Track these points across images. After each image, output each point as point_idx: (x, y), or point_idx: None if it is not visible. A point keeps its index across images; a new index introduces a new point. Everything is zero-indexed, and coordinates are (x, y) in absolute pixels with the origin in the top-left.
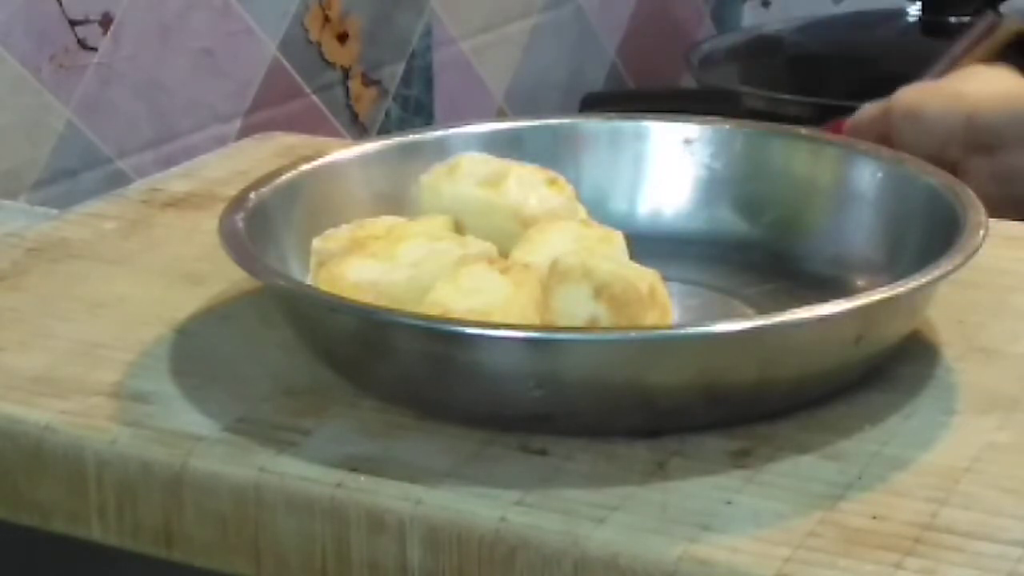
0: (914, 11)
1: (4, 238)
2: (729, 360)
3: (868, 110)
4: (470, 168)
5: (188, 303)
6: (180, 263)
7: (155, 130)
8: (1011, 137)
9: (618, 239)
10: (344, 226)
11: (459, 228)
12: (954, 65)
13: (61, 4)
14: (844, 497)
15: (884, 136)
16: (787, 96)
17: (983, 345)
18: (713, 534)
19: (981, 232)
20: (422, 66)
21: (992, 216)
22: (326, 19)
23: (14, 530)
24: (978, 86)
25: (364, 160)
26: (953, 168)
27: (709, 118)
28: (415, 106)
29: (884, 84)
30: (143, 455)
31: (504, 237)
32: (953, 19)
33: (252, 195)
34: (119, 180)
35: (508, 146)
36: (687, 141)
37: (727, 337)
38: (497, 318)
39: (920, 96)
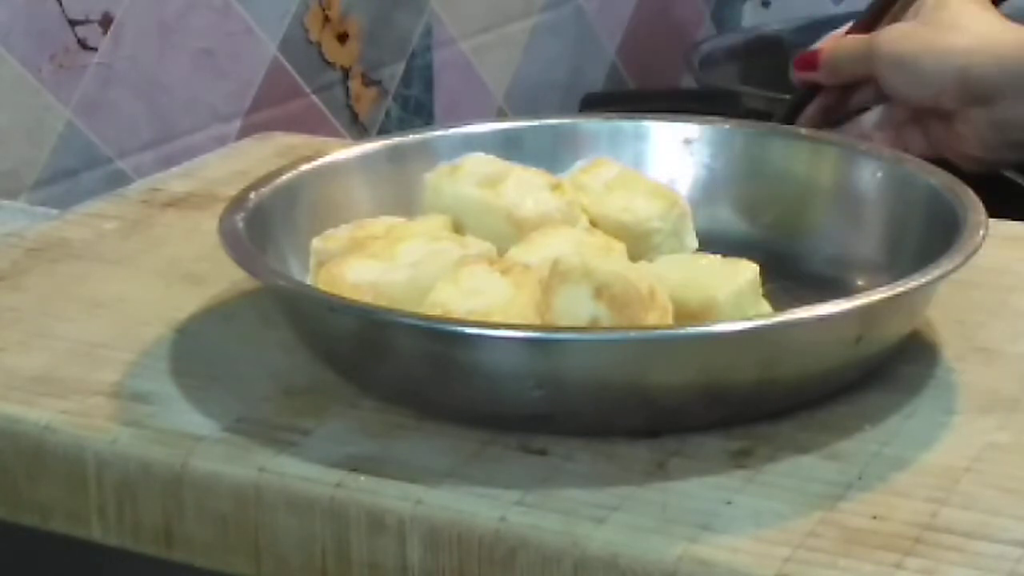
0: None
1: (4, 238)
2: (729, 360)
3: (846, 43)
4: (473, 168)
5: (188, 303)
6: (180, 263)
7: (155, 130)
8: (1008, 89)
9: (620, 249)
10: (344, 226)
11: (458, 228)
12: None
13: (61, 4)
14: (844, 497)
15: (867, 76)
16: (787, 96)
17: (983, 345)
18: (713, 534)
19: (981, 232)
20: (422, 66)
21: (991, 159)
22: (326, 19)
23: (14, 530)
24: (968, 38)
25: (364, 160)
26: (949, 116)
27: (709, 118)
28: (415, 106)
29: None
30: (143, 455)
31: (499, 238)
32: None
33: (252, 195)
34: (119, 180)
35: (508, 146)
36: (687, 141)
37: (727, 337)
38: (498, 319)
39: (908, 45)
